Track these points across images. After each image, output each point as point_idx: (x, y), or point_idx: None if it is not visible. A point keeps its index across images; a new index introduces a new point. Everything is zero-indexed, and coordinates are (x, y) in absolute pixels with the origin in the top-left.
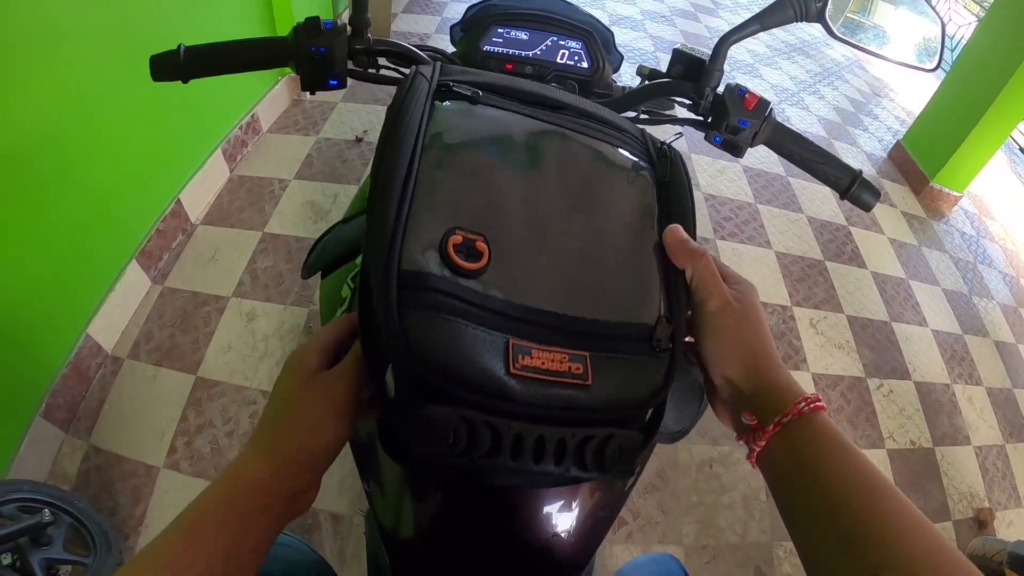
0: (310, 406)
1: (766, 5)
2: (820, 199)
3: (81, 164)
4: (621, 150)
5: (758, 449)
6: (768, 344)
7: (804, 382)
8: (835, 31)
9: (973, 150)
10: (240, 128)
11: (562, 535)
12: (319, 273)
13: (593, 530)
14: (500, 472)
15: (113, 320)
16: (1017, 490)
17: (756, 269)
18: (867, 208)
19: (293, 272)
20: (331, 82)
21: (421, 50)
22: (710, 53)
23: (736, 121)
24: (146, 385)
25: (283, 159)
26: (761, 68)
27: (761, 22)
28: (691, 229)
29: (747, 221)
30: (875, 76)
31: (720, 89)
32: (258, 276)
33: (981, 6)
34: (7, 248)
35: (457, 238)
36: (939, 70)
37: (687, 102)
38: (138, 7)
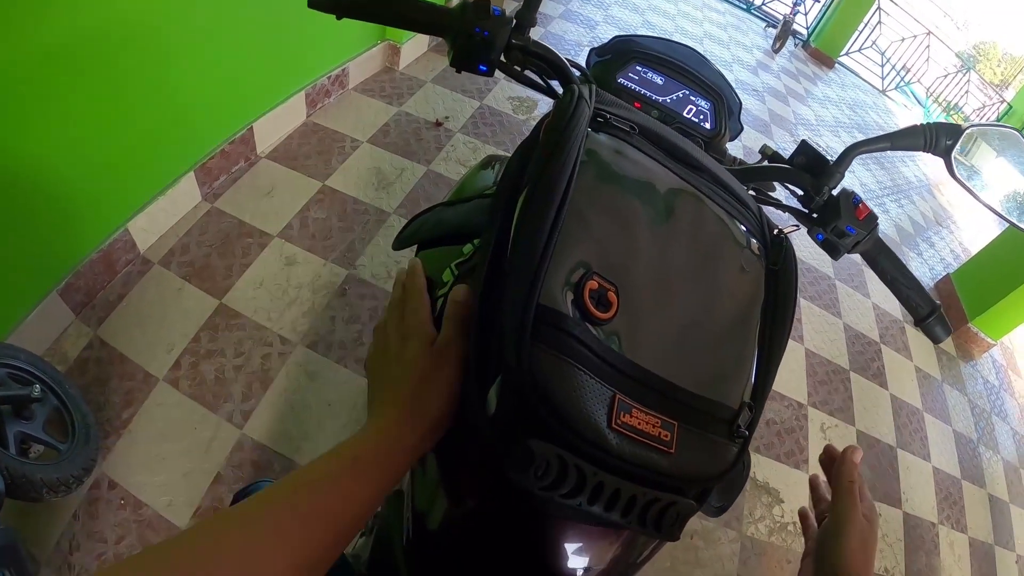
0: (446, 374)
1: (898, 129)
2: (860, 310)
3: (171, 62)
4: (740, 225)
5: None
6: (870, 568)
7: (800, 483)
8: (955, 171)
9: (1018, 303)
10: (328, 78)
11: (599, 567)
12: (413, 248)
13: (628, 566)
14: (569, 510)
15: (155, 223)
16: None
17: (784, 360)
18: (936, 341)
19: (343, 231)
20: (481, 67)
21: (572, 66)
22: (834, 156)
23: (844, 227)
24: (169, 295)
25: (361, 120)
26: None
27: (892, 141)
28: (790, 325)
29: None
30: (941, 204)
31: (836, 191)
32: (308, 224)
33: None
34: (80, 124)
35: (594, 284)
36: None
37: (797, 192)
38: None
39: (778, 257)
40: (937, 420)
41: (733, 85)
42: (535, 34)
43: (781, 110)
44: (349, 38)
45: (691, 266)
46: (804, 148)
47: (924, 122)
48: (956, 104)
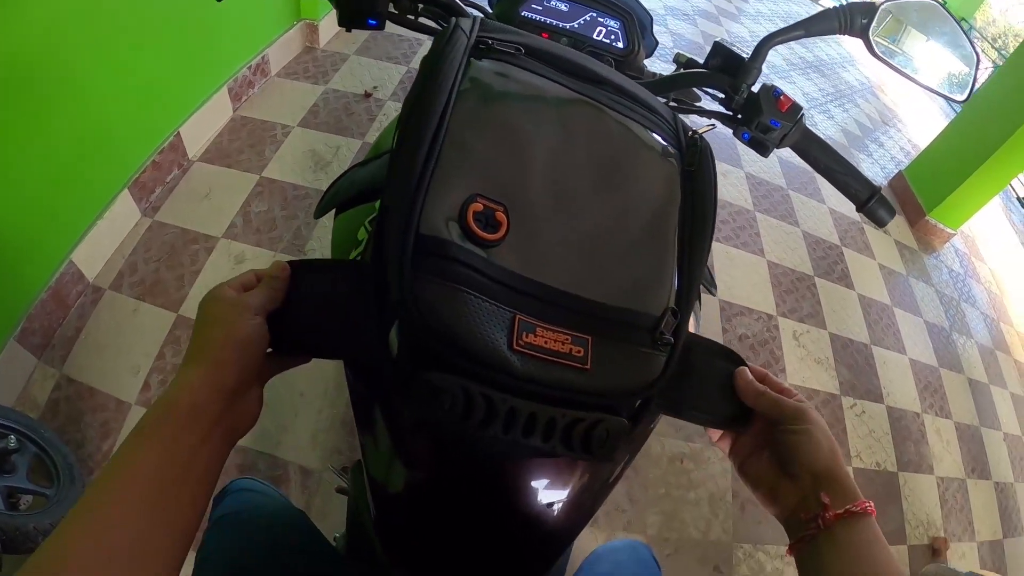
0: (234, 320)
1: (811, 14)
2: (818, 216)
3: (83, 82)
4: (652, 132)
5: (821, 528)
6: (840, 453)
7: None
8: (875, 49)
9: (973, 191)
10: (249, 68)
11: (549, 511)
12: (332, 214)
13: (579, 511)
14: (489, 442)
15: (99, 248)
16: (973, 524)
17: (747, 275)
18: (881, 224)
19: (287, 220)
20: (371, 21)
21: (465, 4)
22: (750, 52)
23: (768, 121)
24: (125, 318)
25: (289, 105)
26: (775, 80)
27: (806, 28)
28: (711, 224)
29: (743, 227)
30: (886, 104)
31: (756, 88)
32: (251, 219)
33: (1000, 53)
34: (1, 164)
35: (478, 206)
36: (958, 104)
37: (718, 95)
38: None
39: (693, 158)
40: (907, 313)
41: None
42: None
43: (714, 30)
44: (264, 24)
45: (593, 177)
46: (718, 49)
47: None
48: None
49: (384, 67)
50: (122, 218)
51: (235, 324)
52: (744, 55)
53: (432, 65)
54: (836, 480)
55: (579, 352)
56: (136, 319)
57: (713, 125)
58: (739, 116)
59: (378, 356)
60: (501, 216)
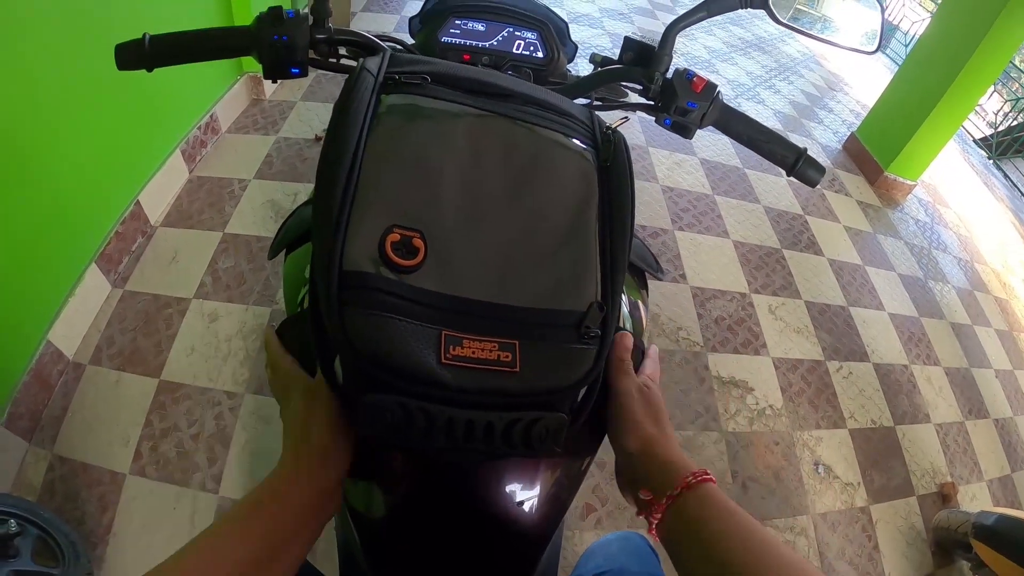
0: (319, 406)
1: None
2: (777, 190)
3: (37, 165)
4: (565, 135)
5: (655, 522)
6: (664, 430)
7: (764, 367)
8: (778, 16)
9: (926, 140)
10: (199, 128)
11: (520, 509)
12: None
13: (551, 505)
14: (439, 450)
15: (74, 325)
16: (979, 465)
17: (714, 258)
18: (812, 184)
19: (255, 272)
20: (293, 70)
21: (382, 40)
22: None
23: (685, 103)
24: (109, 391)
25: (243, 159)
26: (718, 64)
27: (708, 9)
28: (630, 213)
29: (705, 212)
30: (830, 71)
31: (669, 74)
32: (220, 277)
33: (935, 2)
34: None
35: (395, 236)
36: (879, 53)
37: (637, 88)
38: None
39: (609, 153)
40: (880, 270)
41: (560, 8)
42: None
43: (652, 25)
44: (208, 82)
45: (507, 187)
46: (628, 44)
47: None
48: None
49: (331, 108)
50: (93, 292)
51: (326, 419)
52: (654, 44)
53: (342, 108)
54: (654, 472)
55: (507, 357)
56: (120, 390)
57: (626, 118)
58: (658, 104)
59: (329, 384)
60: (418, 242)
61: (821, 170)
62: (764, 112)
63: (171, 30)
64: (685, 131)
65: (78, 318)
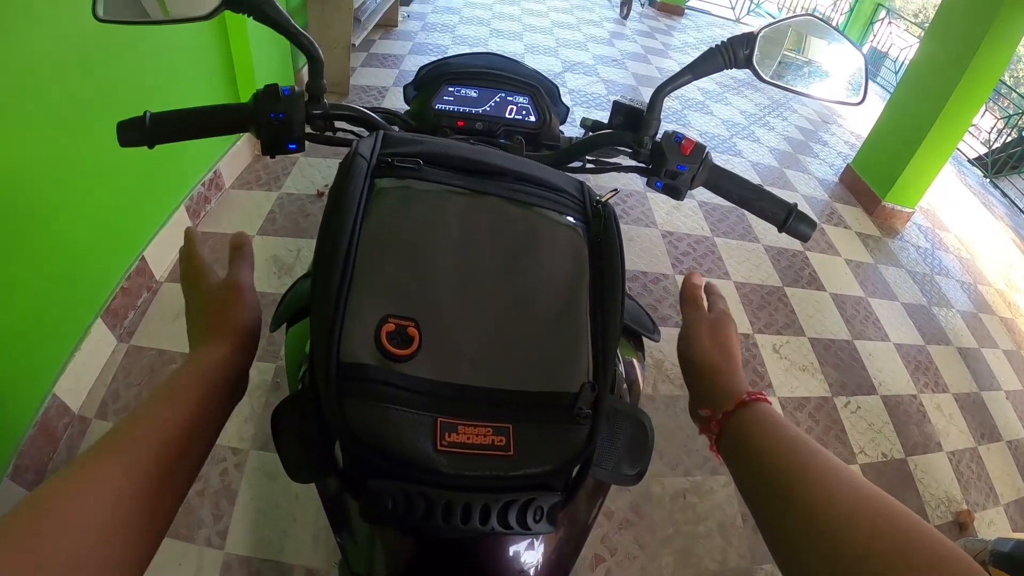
0: (236, 296)
1: (696, 58)
2: (775, 229)
3: (46, 222)
4: (555, 212)
5: (714, 438)
6: (730, 361)
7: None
8: (763, 76)
9: (922, 166)
10: (203, 184)
11: (538, 552)
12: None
13: (559, 565)
14: (439, 532)
15: (80, 379)
16: (994, 489)
17: None
18: (804, 239)
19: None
20: (290, 146)
21: (376, 112)
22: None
23: (675, 166)
24: None
25: (246, 215)
26: (712, 105)
27: (693, 72)
28: (621, 289)
29: (705, 255)
30: (823, 105)
31: (659, 137)
32: None
33: (922, 29)
34: None
35: (390, 326)
36: (865, 102)
37: (627, 151)
38: (107, 70)
39: (599, 228)
40: (883, 300)
41: (555, 58)
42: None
43: (645, 70)
44: (212, 140)
45: (498, 271)
46: (617, 107)
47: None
48: (813, 8)
49: (332, 164)
50: (99, 346)
51: (253, 308)
52: (643, 108)
53: (336, 197)
54: (711, 392)
55: (501, 441)
56: None
57: (616, 191)
58: (649, 167)
59: (329, 469)
60: (413, 331)
61: (812, 224)
62: (760, 151)
63: (180, 104)
64: (676, 193)
65: (84, 372)
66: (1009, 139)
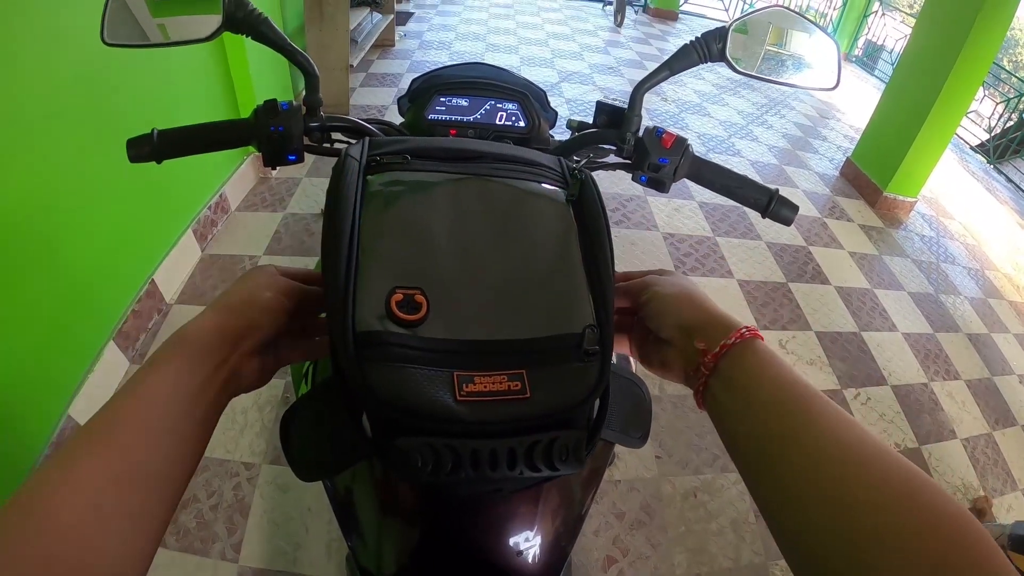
0: (262, 286)
1: (672, 54)
2: (776, 225)
3: (57, 248)
4: (537, 182)
5: (706, 375)
6: (704, 295)
7: None
8: (737, 67)
9: (921, 155)
10: (209, 208)
11: (528, 552)
12: None
13: (565, 526)
14: (468, 483)
15: (93, 401)
16: (1011, 474)
17: (720, 300)
18: (787, 223)
19: None
20: (290, 157)
21: (370, 123)
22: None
23: (657, 159)
24: None
25: (252, 236)
26: (709, 106)
27: (670, 68)
28: (606, 236)
29: (707, 254)
30: (820, 100)
31: (641, 133)
32: None
33: (911, 16)
34: None
35: (399, 296)
36: (840, 86)
37: (612, 148)
38: (111, 93)
39: (576, 189)
40: (889, 291)
41: (551, 69)
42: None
43: (641, 76)
44: (217, 163)
45: (493, 235)
46: (600, 108)
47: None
48: (807, 6)
49: None
50: (112, 367)
51: (258, 284)
52: (624, 107)
53: (334, 195)
54: (706, 325)
55: (517, 386)
56: None
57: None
58: (633, 162)
59: (360, 447)
60: (420, 298)
61: (794, 208)
62: (759, 149)
63: (184, 122)
64: (660, 185)
65: (97, 393)
66: (1010, 124)
